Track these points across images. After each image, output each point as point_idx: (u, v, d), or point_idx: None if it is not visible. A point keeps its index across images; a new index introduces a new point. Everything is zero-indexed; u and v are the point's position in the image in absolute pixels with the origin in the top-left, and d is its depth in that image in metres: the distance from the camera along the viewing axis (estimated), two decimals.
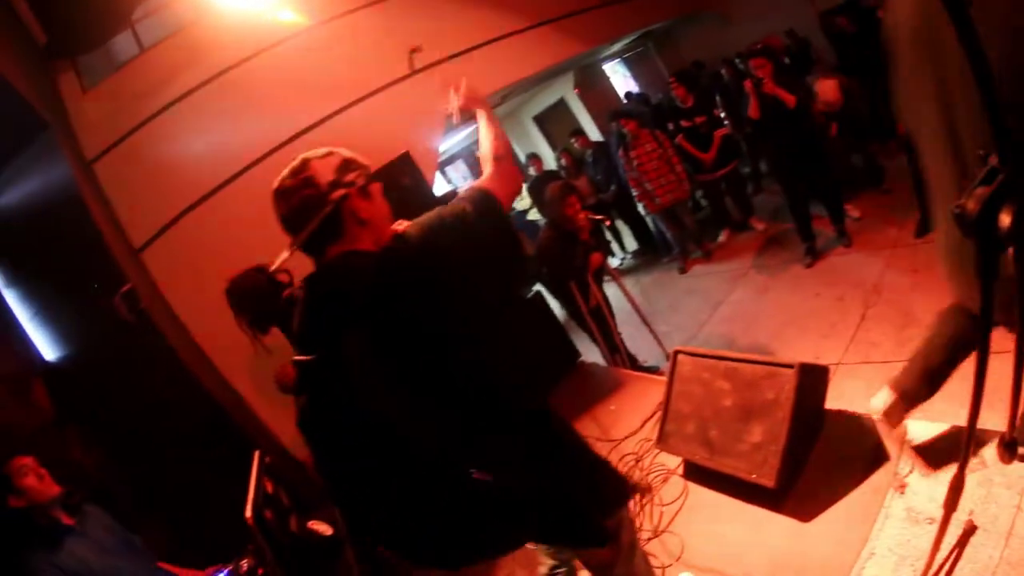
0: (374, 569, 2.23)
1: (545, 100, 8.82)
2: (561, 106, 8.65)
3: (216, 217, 4.42)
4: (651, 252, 6.93)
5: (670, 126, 5.74)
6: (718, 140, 5.60)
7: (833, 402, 2.47)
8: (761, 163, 6.78)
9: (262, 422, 3.75)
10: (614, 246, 7.43)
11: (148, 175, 4.24)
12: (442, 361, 1.26)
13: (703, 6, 8.79)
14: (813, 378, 2.28)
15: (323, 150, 1.39)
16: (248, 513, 1.79)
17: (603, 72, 9.58)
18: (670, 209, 5.76)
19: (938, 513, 1.68)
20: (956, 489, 1.27)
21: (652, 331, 4.13)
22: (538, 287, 4.45)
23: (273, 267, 1.50)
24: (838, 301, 3.77)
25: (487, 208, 1.35)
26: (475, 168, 13.23)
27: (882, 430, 2.06)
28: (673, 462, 2.62)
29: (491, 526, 1.36)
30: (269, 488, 2.19)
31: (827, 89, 4.66)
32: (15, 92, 2.83)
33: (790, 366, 2.14)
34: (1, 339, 3.23)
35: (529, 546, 1.62)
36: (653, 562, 2.09)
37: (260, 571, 2.23)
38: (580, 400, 3.54)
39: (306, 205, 1.30)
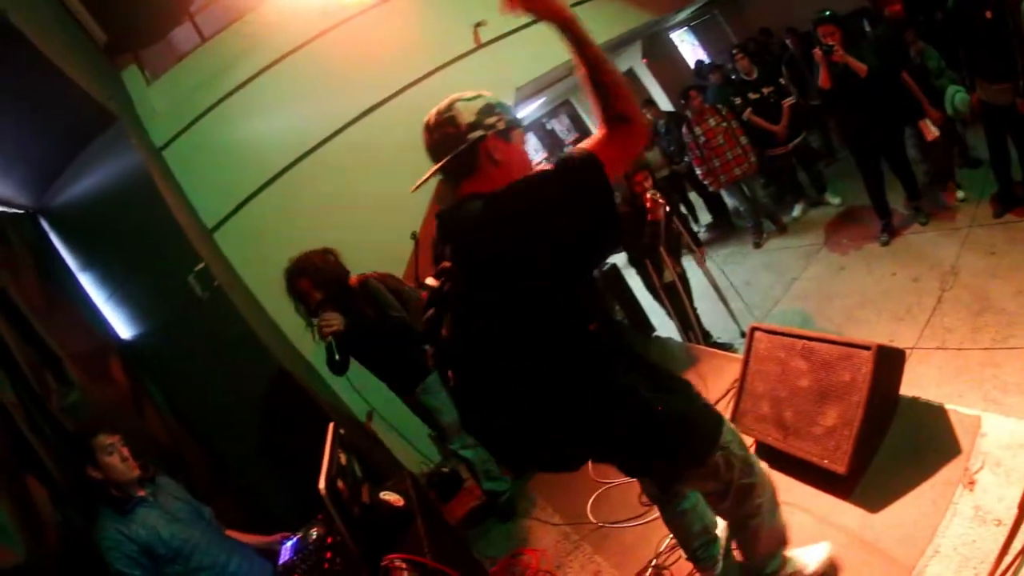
0: (442, 539, 2.26)
1: None
2: (630, 77, 8.46)
3: (286, 195, 4.58)
4: (726, 225, 6.78)
5: (737, 100, 5.53)
6: (787, 110, 5.37)
7: (905, 388, 2.36)
8: (833, 135, 6.52)
9: (336, 394, 3.87)
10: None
11: (217, 158, 4.42)
12: (532, 302, 1.35)
13: None
14: (890, 361, 2.17)
15: (471, 93, 1.50)
16: (322, 484, 1.83)
17: (671, 41, 9.34)
18: (739, 183, 5.59)
19: (1007, 515, 1.62)
20: None
21: (728, 307, 4.05)
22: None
23: (414, 187, 1.60)
24: (914, 282, 3.59)
25: (585, 173, 1.32)
26: (545, 141, 13.44)
27: (954, 421, 1.96)
28: (745, 442, 2.57)
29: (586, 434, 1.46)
30: (343, 459, 2.22)
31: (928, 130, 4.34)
32: (81, 91, 2.96)
33: (867, 347, 2.05)
34: (78, 320, 3.37)
35: None
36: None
37: (328, 540, 2.26)
38: None
39: (445, 141, 1.44)
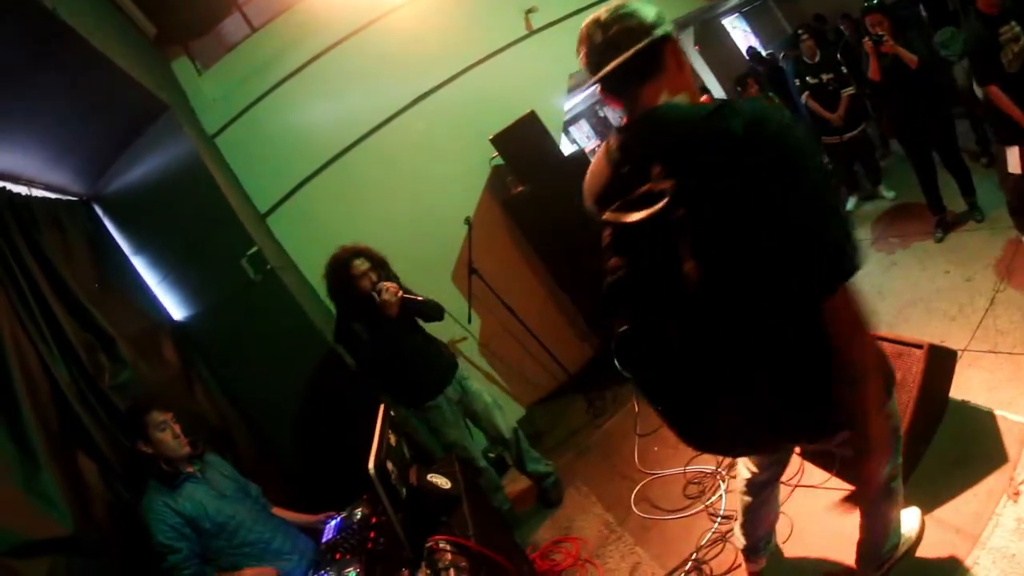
0: (487, 523, 2.30)
1: None
2: None
3: (338, 181, 4.65)
4: None
5: (796, 82, 5.37)
6: (846, 100, 5.21)
7: (955, 391, 2.31)
8: (883, 128, 6.26)
9: None
10: None
11: (270, 145, 4.50)
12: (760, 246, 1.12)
13: None
14: (941, 362, 2.14)
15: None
16: (371, 464, 1.87)
17: (723, 27, 9.17)
18: None
19: None
20: None
21: None
22: None
23: (588, 84, 1.36)
24: (967, 282, 3.46)
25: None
26: (598, 128, 13.31)
27: (1003, 428, 1.92)
28: None
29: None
30: (392, 440, 2.26)
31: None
32: (133, 81, 3.04)
33: (919, 346, 2.02)
34: (131, 302, 3.46)
35: None
36: None
37: (373, 520, 2.31)
38: None
39: (628, 34, 1.24)
